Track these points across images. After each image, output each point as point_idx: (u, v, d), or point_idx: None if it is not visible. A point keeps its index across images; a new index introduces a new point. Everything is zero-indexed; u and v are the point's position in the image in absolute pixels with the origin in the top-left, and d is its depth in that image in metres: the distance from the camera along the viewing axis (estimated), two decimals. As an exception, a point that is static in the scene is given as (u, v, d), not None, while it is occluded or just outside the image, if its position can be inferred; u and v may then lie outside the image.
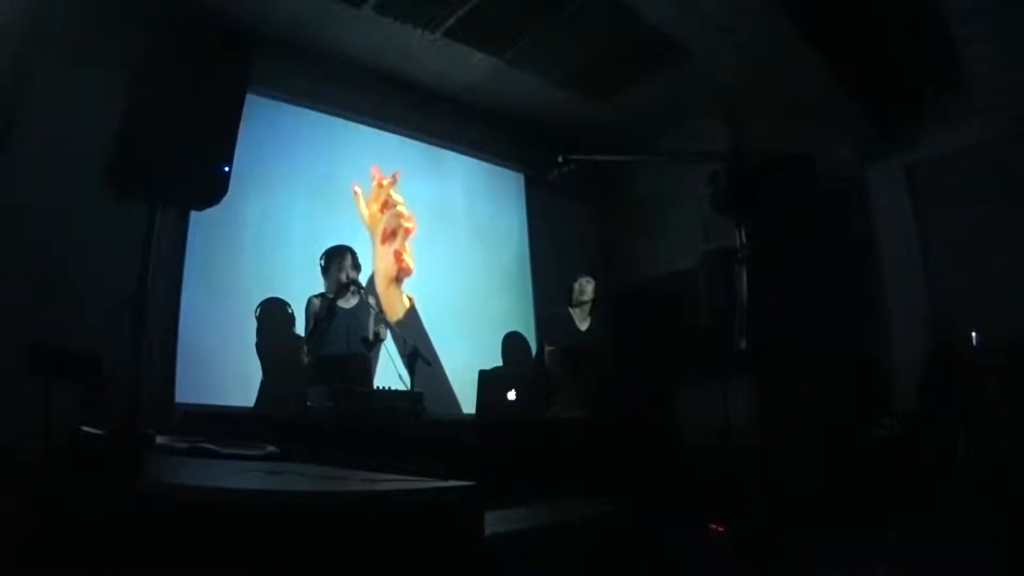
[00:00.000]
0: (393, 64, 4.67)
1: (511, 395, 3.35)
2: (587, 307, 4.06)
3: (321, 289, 3.76)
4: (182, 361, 3.64)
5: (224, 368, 3.78)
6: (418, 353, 3.52)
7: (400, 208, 4.69)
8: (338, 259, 3.68)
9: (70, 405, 2.50)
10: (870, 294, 5.03)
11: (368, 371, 3.71)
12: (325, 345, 3.56)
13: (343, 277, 3.60)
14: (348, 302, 3.68)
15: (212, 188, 2.13)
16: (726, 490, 3.11)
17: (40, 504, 1.70)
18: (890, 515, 3.10)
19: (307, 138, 4.46)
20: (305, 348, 3.59)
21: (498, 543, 1.44)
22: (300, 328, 3.88)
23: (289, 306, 3.99)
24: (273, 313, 3.94)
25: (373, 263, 4.48)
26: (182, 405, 3.49)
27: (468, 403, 4.21)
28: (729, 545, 2.57)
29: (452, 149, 5.20)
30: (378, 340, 3.69)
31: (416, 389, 3.43)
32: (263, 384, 3.82)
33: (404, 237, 4.70)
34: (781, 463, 3.69)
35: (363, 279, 3.86)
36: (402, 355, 4.06)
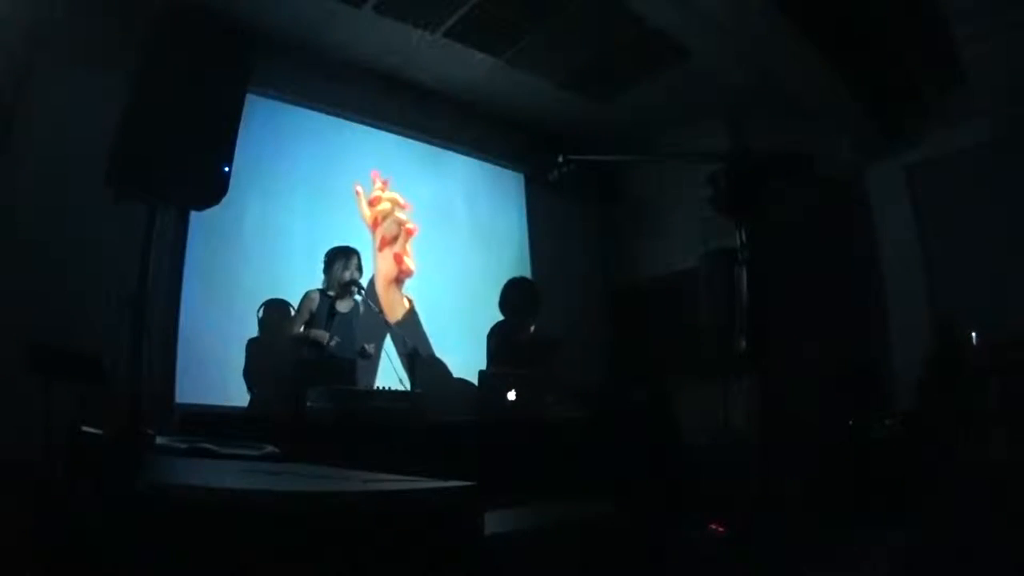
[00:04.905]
0: (393, 64, 4.67)
1: (511, 395, 3.35)
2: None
3: (320, 285, 3.75)
4: (182, 361, 3.64)
5: (224, 368, 3.79)
6: (418, 354, 3.53)
7: (399, 214, 4.69)
8: (343, 259, 3.66)
9: (70, 405, 2.50)
10: (870, 294, 5.03)
11: (372, 372, 3.71)
12: (327, 345, 3.56)
13: (346, 276, 3.59)
14: (344, 305, 3.67)
15: (212, 188, 2.13)
16: (726, 490, 3.11)
17: (40, 504, 1.70)
18: (890, 515, 3.10)
19: (307, 138, 4.46)
20: (301, 340, 3.59)
21: (498, 543, 1.44)
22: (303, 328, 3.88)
23: (291, 307, 3.99)
24: (275, 314, 3.94)
25: (373, 265, 4.48)
26: (182, 405, 3.49)
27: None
28: (729, 545, 2.57)
29: (452, 149, 5.20)
30: (377, 343, 3.70)
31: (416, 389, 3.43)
32: (255, 385, 3.82)
33: (405, 240, 4.71)
34: (781, 463, 3.69)
35: (363, 282, 3.85)
36: (401, 356, 4.07)
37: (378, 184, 4.67)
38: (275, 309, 3.97)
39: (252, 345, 3.86)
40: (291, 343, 3.63)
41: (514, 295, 4.04)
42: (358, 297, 3.70)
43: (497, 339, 4.00)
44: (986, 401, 3.88)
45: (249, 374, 3.81)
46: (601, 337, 5.71)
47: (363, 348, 3.61)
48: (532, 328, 4.04)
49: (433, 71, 4.76)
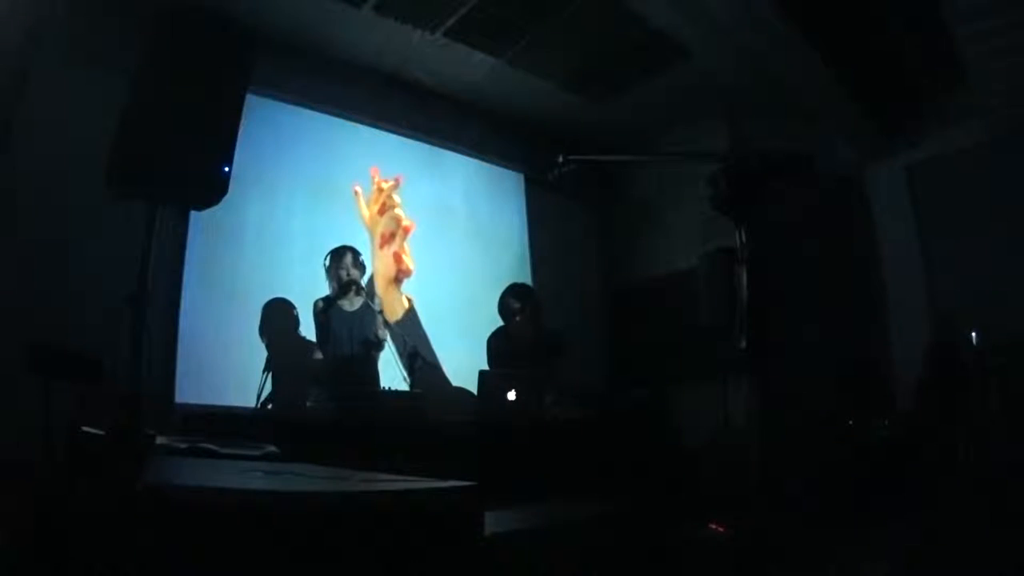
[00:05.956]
0: (393, 64, 4.67)
1: (511, 395, 3.35)
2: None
3: (324, 290, 3.77)
4: (182, 361, 3.64)
5: (224, 368, 3.78)
6: (418, 353, 3.53)
7: (397, 211, 4.69)
8: (338, 259, 3.72)
9: (70, 405, 2.50)
10: (870, 294, 5.04)
11: (375, 372, 3.72)
12: (329, 347, 3.57)
13: (344, 275, 3.63)
14: (352, 304, 3.70)
15: (212, 188, 2.13)
16: (726, 490, 3.11)
17: (40, 504, 1.70)
18: (890, 515, 3.10)
19: (307, 138, 4.46)
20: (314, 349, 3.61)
21: (498, 543, 1.44)
22: (304, 330, 3.88)
23: (294, 307, 3.99)
24: (278, 313, 3.95)
25: (372, 265, 4.48)
26: (182, 405, 3.49)
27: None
28: (729, 545, 2.57)
29: (452, 149, 5.20)
30: (379, 343, 3.72)
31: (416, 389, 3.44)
32: (272, 383, 3.82)
33: (403, 238, 4.70)
34: (781, 463, 3.70)
35: (364, 281, 3.86)
36: (402, 356, 4.07)
37: (378, 180, 4.66)
38: (279, 308, 3.97)
39: (279, 345, 3.84)
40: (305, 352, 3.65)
41: (513, 301, 4.04)
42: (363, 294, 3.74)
43: (498, 342, 4.01)
44: (986, 401, 3.88)
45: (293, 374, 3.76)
46: (601, 337, 5.71)
47: (367, 341, 3.64)
48: (534, 331, 4.04)
49: (433, 71, 4.76)
